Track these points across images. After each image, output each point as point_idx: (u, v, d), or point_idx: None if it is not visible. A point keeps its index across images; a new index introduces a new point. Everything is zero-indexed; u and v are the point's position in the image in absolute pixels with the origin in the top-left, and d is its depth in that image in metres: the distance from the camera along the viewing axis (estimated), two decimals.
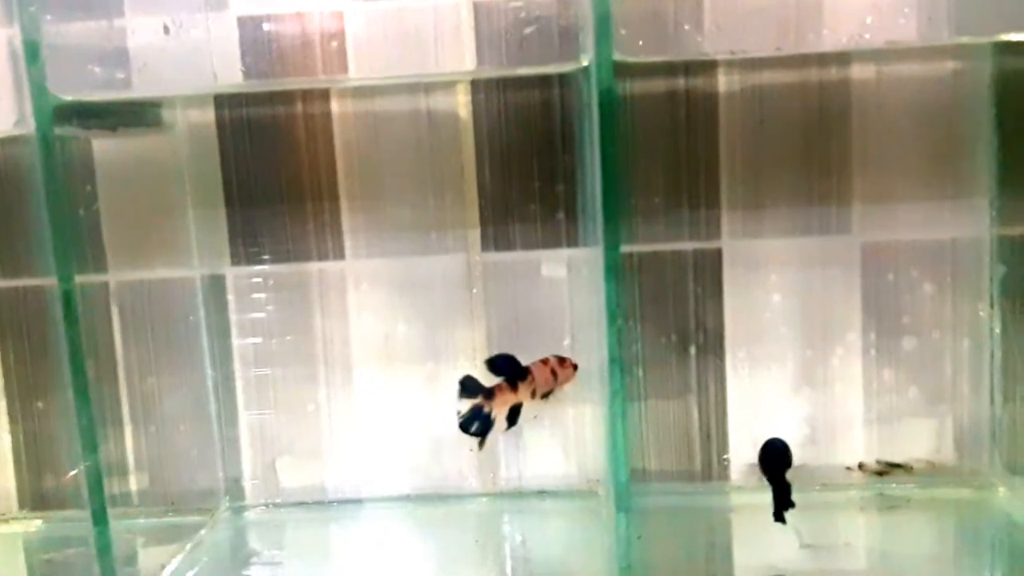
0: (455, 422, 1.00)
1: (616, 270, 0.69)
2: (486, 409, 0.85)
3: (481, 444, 0.86)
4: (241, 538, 0.99)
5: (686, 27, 0.95)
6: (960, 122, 0.95)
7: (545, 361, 0.88)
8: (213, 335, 1.02)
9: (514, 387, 0.86)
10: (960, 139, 0.95)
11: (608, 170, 0.68)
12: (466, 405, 0.85)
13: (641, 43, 0.94)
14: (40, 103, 0.73)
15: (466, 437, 1.01)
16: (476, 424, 0.85)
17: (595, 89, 0.67)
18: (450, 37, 0.97)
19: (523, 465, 1.03)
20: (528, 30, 0.92)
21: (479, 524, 1.00)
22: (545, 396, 0.88)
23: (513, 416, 0.86)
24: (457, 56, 0.98)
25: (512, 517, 1.01)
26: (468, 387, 0.86)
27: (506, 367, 0.86)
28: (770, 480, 0.84)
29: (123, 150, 0.99)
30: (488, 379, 0.87)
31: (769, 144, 0.97)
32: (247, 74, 0.99)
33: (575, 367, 0.89)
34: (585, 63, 0.67)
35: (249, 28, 0.99)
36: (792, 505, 0.81)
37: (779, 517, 0.83)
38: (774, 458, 0.85)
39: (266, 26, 0.99)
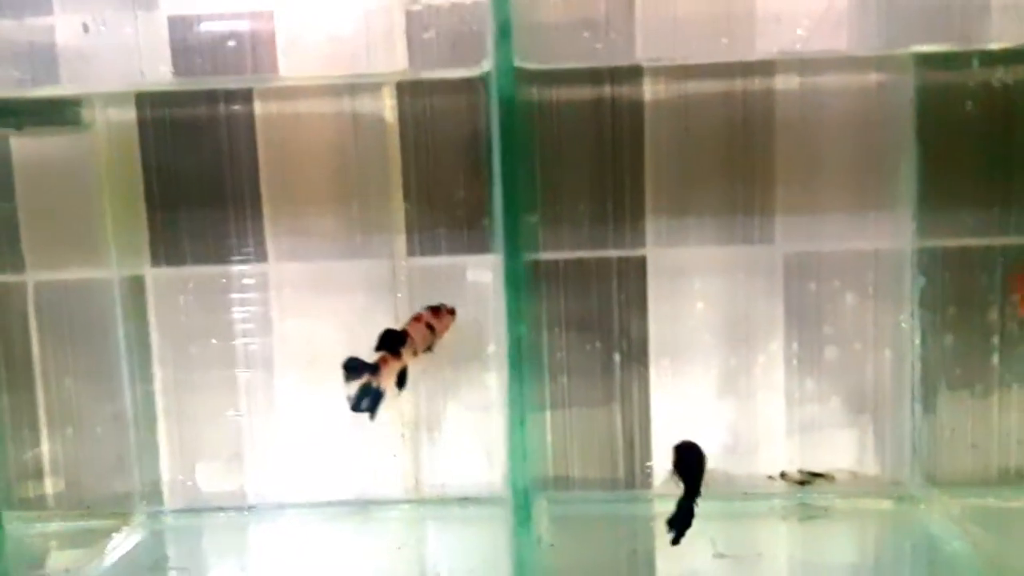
0: (378, 428, 0.99)
1: (516, 278, 0.69)
2: (374, 384, 0.85)
3: (372, 416, 0.86)
4: (155, 543, 0.98)
5: (612, 35, 0.95)
6: (883, 134, 0.95)
7: (418, 317, 0.88)
8: (132, 337, 1.00)
9: (396, 354, 0.86)
10: (883, 151, 0.95)
11: (508, 178, 0.67)
12: (354, 387, 0.85)
13: (565, 50, 0.94)
14: None
15: (389, 443, 1.00)
16: (366, 401, 0.85)
17: (495, 95, 0.66)
18: (381, 39, 0.96)
19: (446, 472, 1.02)
20: (427, 35, 0.91)
21: (400, 531, 0.99)
22: (428, 350, 0.88)
23: (400, 380, 0.87)
24: (387, 57, 0.97)
25: (433, 525, 1.00)
26: (352, 367, 0.85)
27: (384, 338, 0.86)
28: (686, 484, 0.83)
29: (42, 149, 0.98)
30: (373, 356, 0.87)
31: (694, 153, 0.97)
32: (176, 73, 0.98)
33: (452, 312, 0.90)
34: (487, 68, 0.66)
35: (179, 27, 0.98)
36: (689, 523, 0.80)
37: (677, 539, 0.82)
38: (691, 462, 0.84)
39: (196, 26, 0.98)
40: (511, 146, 0.67)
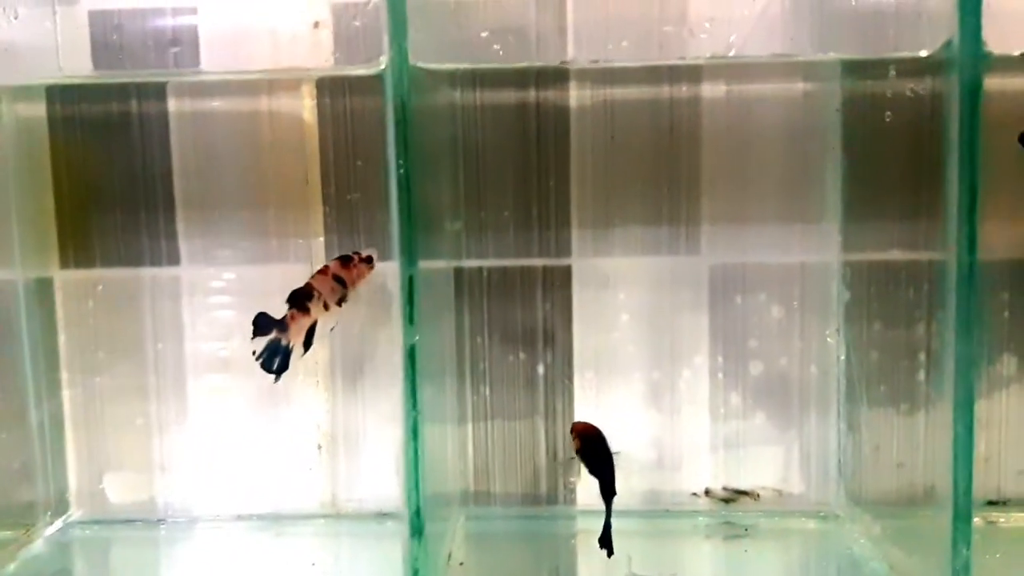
0: (293, 439, 0.97)
1: (412, 286, 0.66)
2: (283, 342, 0.83)
3: (277, 377, 0.84)
4: (57, 554, 0.94)
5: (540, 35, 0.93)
6: (810, 146, 0.94)
7: (324, 270, 0.85)
8: (38, 341, 0.97)
9: (304, 310, 0.83)
10: (810, 163, 0.94)
11: (402, 186, 0.64)
12: (262, 343, 0.82)
13: (487, 52, 0.92)
14: None
15: (304, 456, 0.97)
16: (276, 360, 0.83)
17: (389, 96, 0.64)
18: (306, 33, 0.94)
19: (363, 486, 0.99)
20: (355, 23, 0.89)
21: (314, 547, 0.96)
22: (340, 303, 0.85)
23: (308, 338, 0.84)
24: (310, 54, 0.94)
25: (347, 540, 0.97)
26: (260, 324, 0.83)
27: (292, 296, 0.84)
28: (595, 471, 0.82)
29: None
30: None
31: (620, 161, 0.95)
32: (97, 68, 0.95)
33: (368, 260, 0.86)
34: (382, 66, 0.64)
35: (100, 22, 0.95)
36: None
37: (606, 543, 0.80)
38: (595, 444, 0.83)
39: (118, 20, 0.95)
40: (404, 150, 0.64)
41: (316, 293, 0.84)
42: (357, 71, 0.86)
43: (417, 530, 0.66)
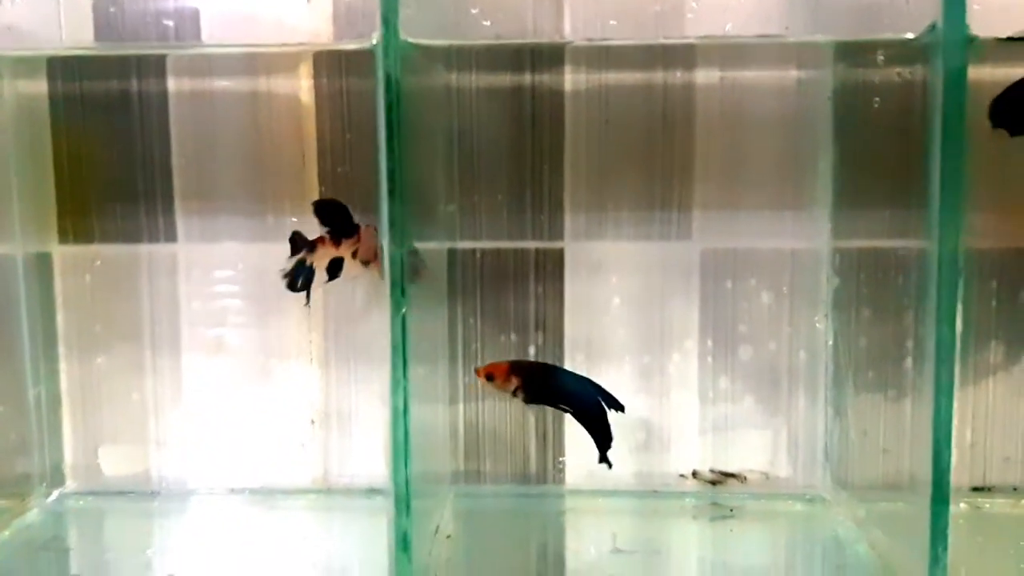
0: (286, 415, 0.98)
1: (401, 264, 0.67)
2: (308, 262, 0.86)
3: (307, 300, 0.89)
4: (51, 524, 0.95)
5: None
6: (802, 133, 0.94)
7: (369, 230, 0.88)
8: (36, 315, 0.98)
9: (337, 243, 0.86)
10: (802, 150, 0.95)
11: (392, 163, 0.65)
12: (291, 264, 0.87)
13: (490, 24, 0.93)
14: None
15: (297, 432, 0.99)
16: (300, 279, 0.87)
17: (380, 71, 0.64)
18: (305, 11, 0.95)
19: (355, 462, 1.00)
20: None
21: (306, 521, 0.97)
22: (366, 263, 0.87)
23: (334, 270, 0.87)
24: (312, 31, 0.95)
25: (338, 515, 0.98)
26: (295, 242, 0.87)
27: (335, 217, 0.87)
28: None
29: None
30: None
31: (614, 145, 0.96)
32: (99, 42, 0.96)
33: (370, 249, 0.89)
34: (374, 42, 0.65)
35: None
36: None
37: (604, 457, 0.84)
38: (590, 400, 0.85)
39: None
40: (395, 129, 0.65)
41: (356, 236, 0.86)
42: (349, 46, 0.87)
43: (404, 507, 0.67)
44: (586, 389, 0.86)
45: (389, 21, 0.63)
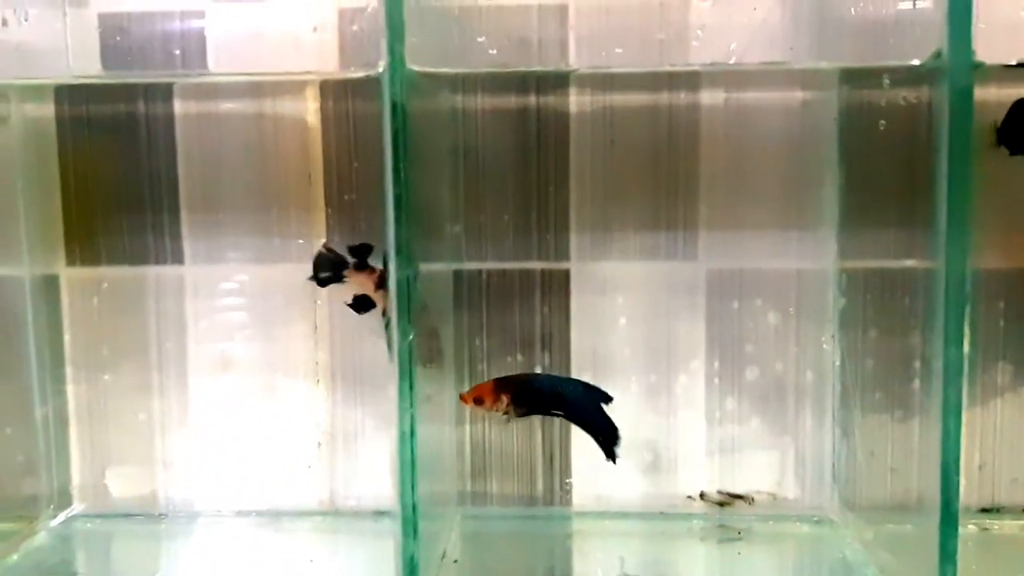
0: (293, 437, 0.98)
1: (407, 292, 0.67)
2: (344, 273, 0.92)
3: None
4: (59, 546, 0.95)
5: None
6: (808, 153, 0.95)
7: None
8: (43, 337, 0.98)
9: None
10: (807, 170, 0.95)
11: (399, 188, 0.65)
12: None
13: (495, 53, 0.93)
14: None
15: (304, 454, 0.99)
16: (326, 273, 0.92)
17: (387, 98, 0.65)
18: (311, 37, 0.95)
19: (361, 484, 1.00)
20: (355, 29, 0.90)
21: (312, 543, 0.97)
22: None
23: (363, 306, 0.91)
24: (315, 58, 0.96)
25: (344, 538, 0.98)
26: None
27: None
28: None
29: None
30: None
31: (619, 166, 0.96)
32: (106, 67, 0.97)
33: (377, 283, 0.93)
34: (380, 70, 0.65)
35: (110, 24, 0.97)
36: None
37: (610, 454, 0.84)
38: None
39: (127, 23, 0.97)
40: (401, 150, 0.65)
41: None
42: (356, 74, 0.87)
43: (411, 530, 0.67)
44: (575, 388, 0.87)
45: (395, 50, 0.63)
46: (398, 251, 0.67)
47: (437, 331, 0.86)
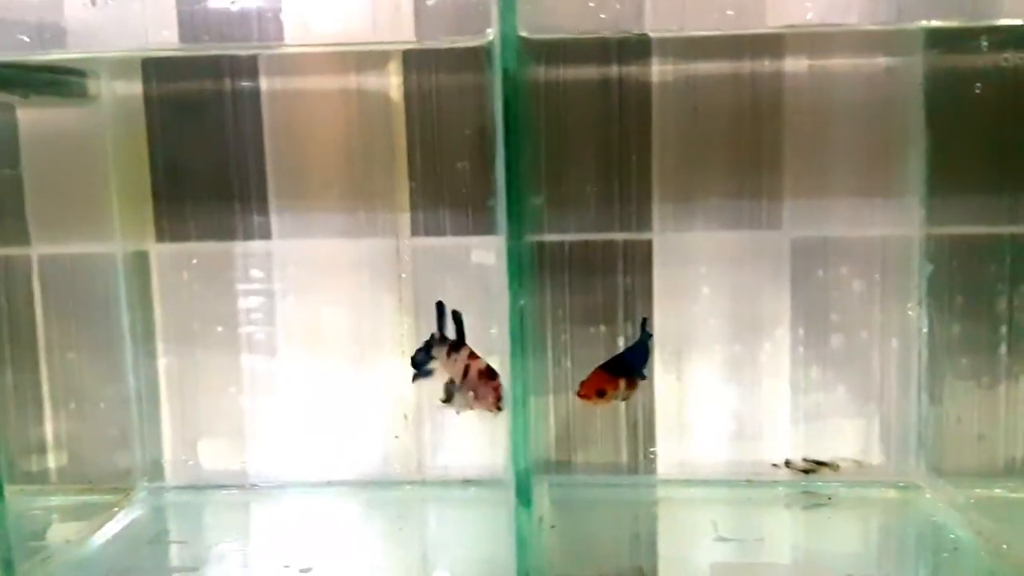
0: (379, 408, 0.99)
1: (519, 256, 0.68)
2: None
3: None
4: (155, 518, 0.98)
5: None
6: (892, 120, 0.94)
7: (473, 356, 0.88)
8: (135, 313, 1.00)
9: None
10: (892, 137, 0.94)
11: (512, 155, 0.66)
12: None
13: (570, 21, 0.93)
14: None
15: (391, 425, 1.00)
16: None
17: (498, 67, 0.65)
18: (389, 9, 0.95)
19: (449, 454, 1.01)
20: (431, 2, 0.89)
21: (400, 512, 0.98)
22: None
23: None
24: (394, 29, 0.96)
25: (434, 506, 1.00)
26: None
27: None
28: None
29: (48, 121, 0.98)
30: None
31: (702, 136, 0.96)
32: (183, 42, 0.97)
33: (496, 400, 0.87)
34: (490, 38, 0.66)
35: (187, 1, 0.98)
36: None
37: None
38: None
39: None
40: (514, 122, 0.66)
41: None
42: (466, 43, 0.87)
43: (525, 495, 0.68)
44: (640, 345, 0.92)
45: (507, 18, 0.64)
46: (510, 224, 0.68)
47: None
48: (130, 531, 0.94)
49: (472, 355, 0.88)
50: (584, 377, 0.93)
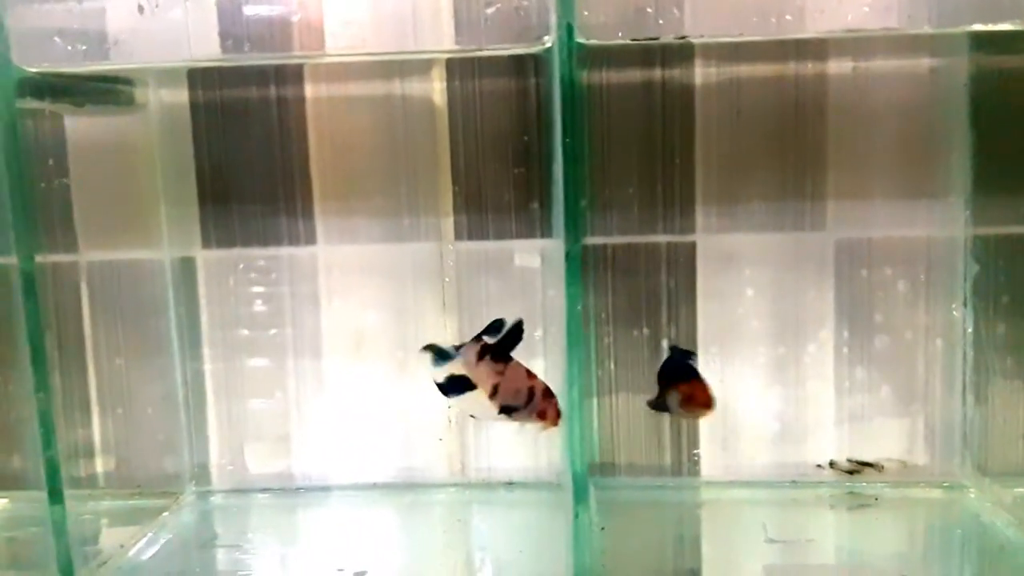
0: (425, 411, 1.00)
1: (576, 260, 0.69)
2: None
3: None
4: (204, 522, 0.99)
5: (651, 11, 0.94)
6: (936, 120, 0.94)
7: (531, 375, 0.82)
8: (182, 318, 1.01)
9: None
10: (936, 137, 0.94)
11: (569, 159, 0.67)
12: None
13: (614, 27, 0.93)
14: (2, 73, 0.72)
15: (435, 427, 1.01)
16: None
17: (556, 73, 0.66)
18: (428, 16, 0.96)
19: (492, 456, 1.02)
20: (491, 10, 0.90)
21: (446, 514, 0.99)
22: (505, 412, 0.82)
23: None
24: (435, 35, 0.96)
25: (479, 508, 1.00)
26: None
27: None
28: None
29: (95, 129, 0.99)
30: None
31: (745, 138, 0.96)
32: (224, 52, 0.98)
33: (556, 417, 0.81)
34: (548, 44, 0.66)
35: (228, 9, 0.98)
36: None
37: None
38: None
39: (244, 6, 0.98)
40: (573, 126, 0.66)
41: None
42: (528, 50, 0.87)
43: (582, 497, 0.69)
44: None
45: (566, 24, 0.64)
46: (568, 227, 0.68)
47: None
48: (180, 535, 0.95)
49: (530, 374, 0.83)
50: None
